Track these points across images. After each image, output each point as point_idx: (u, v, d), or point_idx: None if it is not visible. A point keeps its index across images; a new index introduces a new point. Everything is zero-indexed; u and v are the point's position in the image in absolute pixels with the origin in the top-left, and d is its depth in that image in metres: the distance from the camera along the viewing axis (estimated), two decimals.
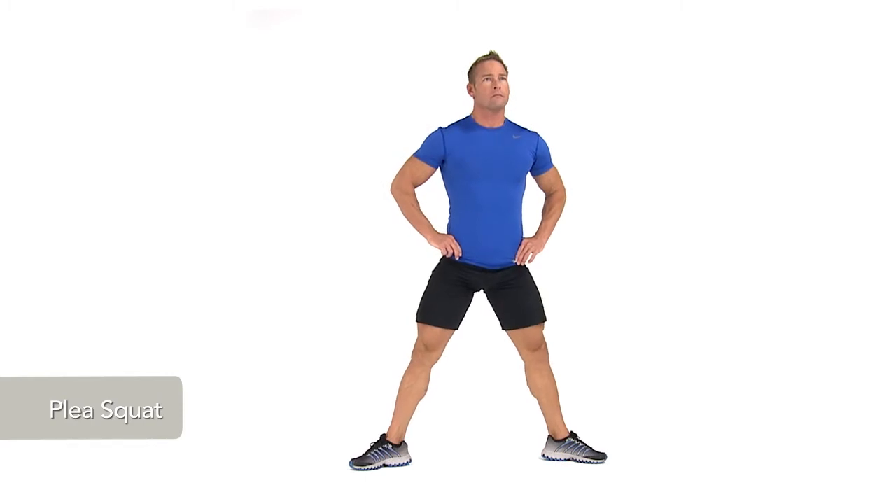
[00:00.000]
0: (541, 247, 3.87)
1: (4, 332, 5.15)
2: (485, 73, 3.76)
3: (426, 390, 3.86)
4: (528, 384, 3.96)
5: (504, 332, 3.93)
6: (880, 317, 5.71)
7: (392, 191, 3.86)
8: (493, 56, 3.80)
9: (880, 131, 5.88)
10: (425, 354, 3.82)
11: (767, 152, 6.04)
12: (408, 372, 3.85)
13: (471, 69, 3.82)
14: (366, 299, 6.15)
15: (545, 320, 3.89)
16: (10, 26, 5.23)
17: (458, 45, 6.21)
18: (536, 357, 3.89)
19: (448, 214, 3.86)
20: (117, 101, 5.72)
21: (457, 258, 3.78)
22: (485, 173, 3.73)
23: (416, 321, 3.84)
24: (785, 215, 6.00)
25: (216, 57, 6.29)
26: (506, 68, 3.80)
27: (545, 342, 3.91)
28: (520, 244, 3.82)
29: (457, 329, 3.86)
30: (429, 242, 3.83)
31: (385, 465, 3.82)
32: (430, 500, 3.51)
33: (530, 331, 3.86)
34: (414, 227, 3.83)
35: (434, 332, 3.80)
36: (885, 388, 5.04)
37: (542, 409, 3.96)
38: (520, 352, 3.93)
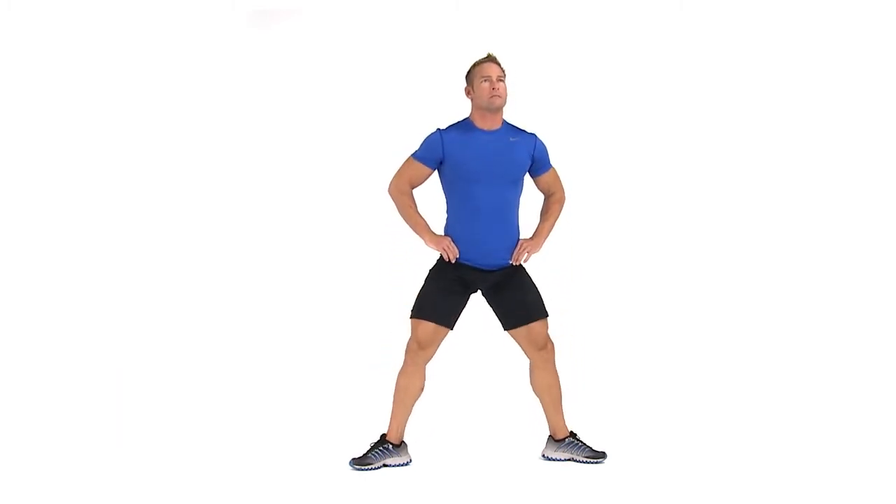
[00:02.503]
0: (537, 247, 3.88)
1: (6, 332, 5.15)
2: (483, 74, 3.77)
3: (423, 389, 3.86)
4: (531, 383, 3.95)
5: (507, 332, 3.92)
6: (880, 317, 5.71)
7: (390, 192, 3.87)
8: (490, 58, 3.82)
9: (880, 131, 5.88)
10: (418, 353, 3.80)
11: (767, 152, 6.04)
12: (402, 372, 3.83)
13: (469, 72, 3.84)
14: (366, 299, 6.15)
15: (547, 316, 3.90)
16: (10, 26, 5.23)
17: (458, 45, 6.22)
18: (542, 356, 3.88)
19: (445, 216, 3.87)
20: (117, 101, 5.71)
21: (453, 261, 3.80)
22: (482, 176, 3.75)
23: (411, 317, 3.83)
24: (785, 215, 6.00)
25: (216, 57, 6.29)
26: (503, 70, 3.80)
27: (551, 341, 3.91)
28: (516, 245, 3.84)
29: (451, 328, 3.84)
30: (426, 244, 3.84)
31: (385, 465, 3.82)
32: (430, 500, 3.51)
33: (534, 328, 3.86)
34: (411, 228, 3.85)
35: (427, 328, 3.78)
36: (885, 388, 5.04)
37: (543, 408, 3.96)
38: (525, 351, 3.91)
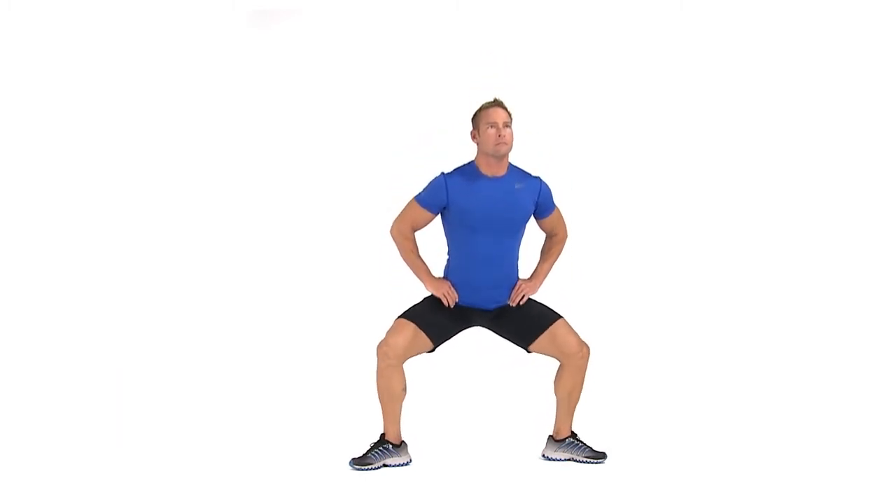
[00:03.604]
0: (535, 289, 3.89)
1: (7, 331, 5.15)
2: (489, 120, 3.71)
3: (405, 389, 3.80)
4: (555, 381, 3.91)
5: (531, 351, 3.89)
6: (880, 317, 5.71)
7: (392, 234, 3.88)
8: (497, 103, 3.76)
9: (880, 131, 5.88)
10: (388, 354, 3.71)
11: (767, 152, 6.04)
12: (378, 375, 3.77)
13: (475, 115, 3.78)
14: (366, 299, 6.14)
15: (560, 317, 3.87)
16: (10, 26, 5.23)
17: (458, 45, 6.22)
18: (575, 360, 3.82)
19: (446, 255, 3.88)
20: (117, 101, 5.72)
21: (452, 306, 3.81)
22: (485, 225, 3.73)
23: (398, 318, 3.82)
24: (785, 215, 6.00)
25: (216, 57, 6.29)
26: (510, 115, 3.75)
27: (586, 346, 3.85)
28: (515, 285, 3.85)
29: (433, 345, 3.82)
30: (426, 287, 3.84)
31: (385, 465, 3.82)
32: (430, 500, 3.51)
33: (555, 333, 3.82)
34: (412, 271, 3.86)
35: (407, 331, 3.74)
36: (885, 388, 5.04)
37: (557, 407, 3.94)
38: (558, 359, 3.87)
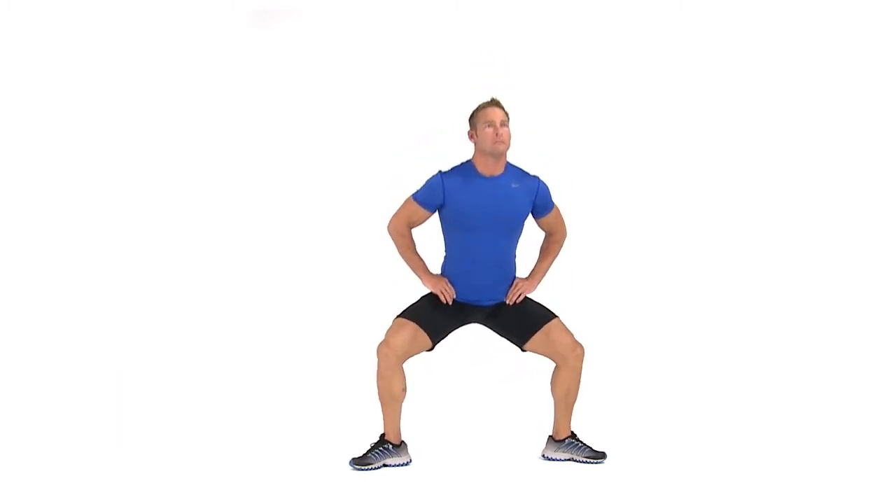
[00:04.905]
0: (532, 288, 3.90)
1: (6, 331, 5.15)
2: (486, 119, 3.72)
3: (405, 389, 3.81)
4: (551, 381, 3.92)
5: (526, 350, 3.90)
6: (880, 317, 5.70)
7: (389, 230, 3.90)
8: (494, 102, 3.77)
9: (880, 131, 5.88)
10: (389, 355, 3.73)
11: (767, 152, 6.04)
12: (378, 376, 3.78)
13: (472, 115, 3.79)
14: (365, 299, 6.14)
15: (556, 317, 3.88)
16: (10, 26, 5.23)
17: (458, 45, 6.22)
18: (570, 360, 3.83)
19: (443, 252, 3.89)
20: (117, 101, 5.72)
21: (450, 303, 3.81)
22: (481, 225, 3.74)
23: (396, 317, 3.83)
24: (785, 215, 5.99)
25: (216, 57, 6.29)
26: (507, 114, 3.76)
27: (581, 345, 3.85)
28: (512, 283, 3.86)
29: (432, 343, 3.82)
30: (423, 284, 3.86)
31: (385, 465, 3.82)
32: (430, 500, 3.51)
33: (549, 333, 3.83)
34: (409, 268, 3.88)
35: (407, 331, 3.75)
36: (885, 388, 5.04)
37: (555, 408, 3.94)
38: (552, 359, 3.88)
